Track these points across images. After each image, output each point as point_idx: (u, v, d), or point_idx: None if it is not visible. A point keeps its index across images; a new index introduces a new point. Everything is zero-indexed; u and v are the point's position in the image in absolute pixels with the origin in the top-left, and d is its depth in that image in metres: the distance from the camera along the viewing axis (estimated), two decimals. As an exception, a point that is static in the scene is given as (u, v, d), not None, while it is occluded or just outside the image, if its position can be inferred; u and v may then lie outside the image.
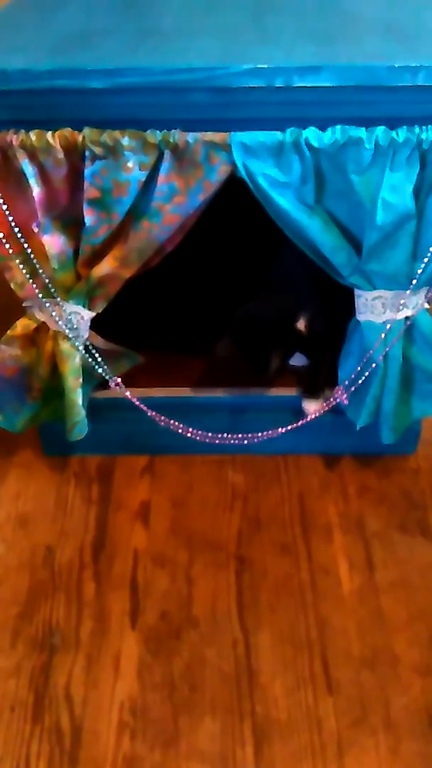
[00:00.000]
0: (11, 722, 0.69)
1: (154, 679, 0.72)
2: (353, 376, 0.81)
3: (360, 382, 0.81)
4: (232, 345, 0.85)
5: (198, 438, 0.87)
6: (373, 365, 0.79)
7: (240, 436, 0.87)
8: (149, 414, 0.85)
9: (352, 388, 0.82)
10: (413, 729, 0.68)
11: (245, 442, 0.87)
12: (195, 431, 0.86)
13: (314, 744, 0.67)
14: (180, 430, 0.86)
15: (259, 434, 0.87)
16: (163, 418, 0.85)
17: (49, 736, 0.68)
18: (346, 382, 0.83)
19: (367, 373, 0.80)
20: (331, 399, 0.85)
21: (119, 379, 0.84)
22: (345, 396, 0.83)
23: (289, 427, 0.86)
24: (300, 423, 0.86)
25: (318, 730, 0.68)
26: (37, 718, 0.70)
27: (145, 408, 0.85)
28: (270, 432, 0.86)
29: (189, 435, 0.86)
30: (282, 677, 0.72)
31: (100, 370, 0.83)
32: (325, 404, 0.85)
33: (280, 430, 0.86)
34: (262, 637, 0.76)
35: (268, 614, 0.78)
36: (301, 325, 0.85)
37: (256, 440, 0.87)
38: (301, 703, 0.70)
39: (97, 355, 0.82)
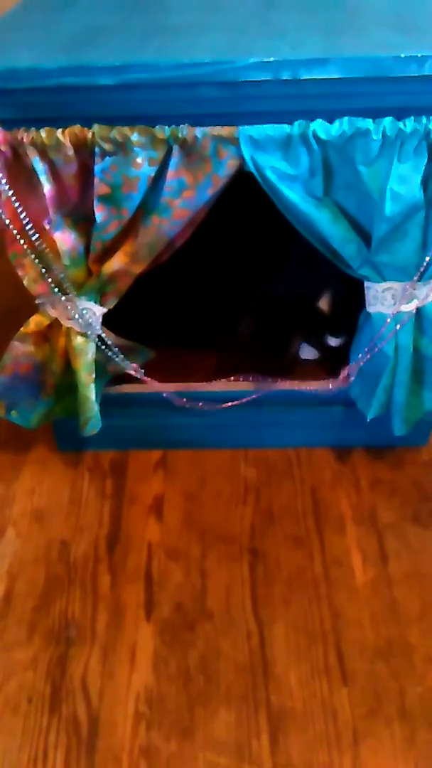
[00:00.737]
0: (29, 713, 0.70)
1: (169, 671, 0.73)
2: (362, 363, 0.82)
3: (364, 361, 0.81)
4: (254, 324, 0.85)
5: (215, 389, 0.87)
6: (382, 354, 0.79)
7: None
8: (165, 395, 0.85)
9: (359, 364, 0.82)
10: (428, 718, 0.68)
11: (262, 390, 0.87)
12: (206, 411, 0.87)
13: (329, 734, 0.67)
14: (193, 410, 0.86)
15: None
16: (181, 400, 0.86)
17: (67, 727, 0.69)
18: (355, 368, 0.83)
19: (371, 359, 0.81)
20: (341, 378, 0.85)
21: (136, 366, 0.85)
22: (351, 377, 0.84)
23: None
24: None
25: (333, 720, 0.68)
26: (54, 709, 0.70)
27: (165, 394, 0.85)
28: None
29: (200, 406, 0.87)
30: (296, 668, 0.73)
31: (117, 359, 0.83)
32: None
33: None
34: (276, 628, 0.76)
35: (282, 606, 0.78)
36: (323, 304, 0.85)
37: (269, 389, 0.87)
38: (315, 693, 0.71)
39: (111, 346, 0.83)
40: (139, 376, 0.84)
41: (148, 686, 0.72)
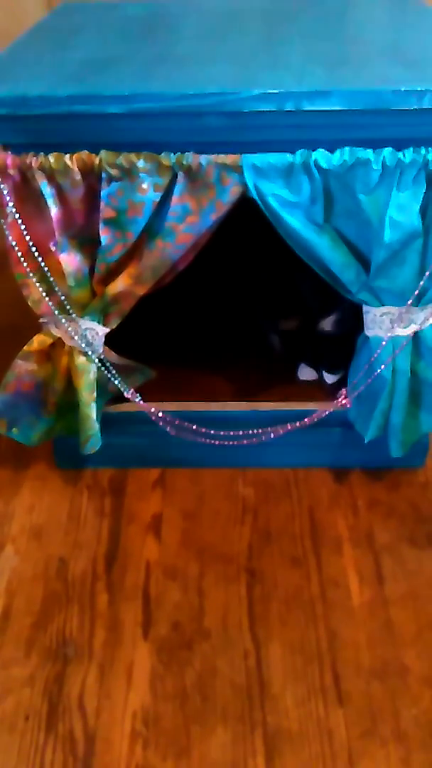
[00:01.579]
0: (25, 731, 0.70)
1: (166, 690, 0.73)
2: (361, 386, 0.83)
3: (362, 388, 0.83)
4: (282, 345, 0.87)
5: (210, 441, 0.88)
6: (380, 377, 0.81)
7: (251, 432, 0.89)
8: (161, 424, 0.87)
9: (355, 393, 0.84)
10: (423, 740, 0.68)
11: (261, 438, 0.89)
12: (208, 431, 0.88)
13: (325, 754, 0.68)
14: (194, 436, 0.88)
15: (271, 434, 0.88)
16: (177, 422, 0.87)
17: (63, 745, 0.69)
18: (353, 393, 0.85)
19: (369, 383, 0.82)
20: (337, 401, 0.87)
21: (133, 390, 0.86)
22: (348, 400, 0.85)
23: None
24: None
25: (329, 740, 0.69)
26: (51, 727, 0.71)
27: (161, 416, 0.86)
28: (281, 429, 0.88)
29: (203, 440, 0.88)
30: (293, 688, 0.73)
31: (116, 382, 0.84)
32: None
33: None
34: (273, 648, 0.76)
35: (279, 626, 0.78)
36: (327, 324, 0.87)
37: (266, 437, 0.88)
38: (311, 713, 0.71)
39: (112, 369, 0.84)
40: (135, 401, 0.86)
41: (144, 705, 0.72)
